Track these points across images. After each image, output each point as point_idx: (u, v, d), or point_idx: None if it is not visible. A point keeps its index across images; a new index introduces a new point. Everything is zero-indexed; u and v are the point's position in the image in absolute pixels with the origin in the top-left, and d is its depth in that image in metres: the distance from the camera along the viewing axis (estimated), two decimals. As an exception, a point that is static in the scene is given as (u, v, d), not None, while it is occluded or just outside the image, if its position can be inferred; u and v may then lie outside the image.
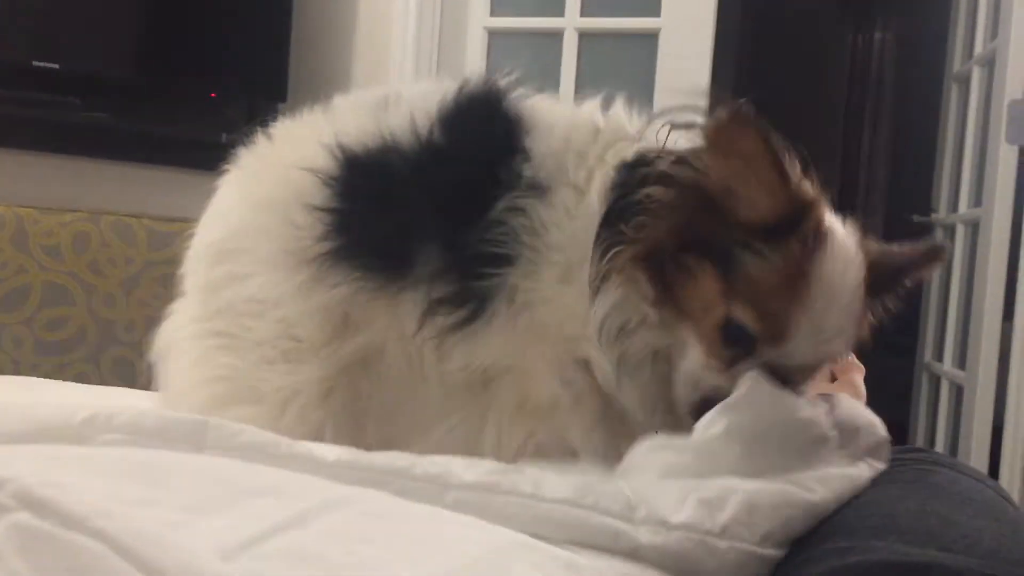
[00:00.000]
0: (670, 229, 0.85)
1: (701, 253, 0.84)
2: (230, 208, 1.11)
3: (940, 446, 2.96)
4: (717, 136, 0.82)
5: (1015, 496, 2.29)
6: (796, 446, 0.81)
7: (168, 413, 0.79)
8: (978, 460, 2.50)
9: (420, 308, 0.94)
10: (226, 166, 1.18)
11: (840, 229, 0.87)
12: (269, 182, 1.05)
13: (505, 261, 0.91)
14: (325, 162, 0.98)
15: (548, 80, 2.75)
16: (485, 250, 0.91)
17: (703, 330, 0.84)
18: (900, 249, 0.94)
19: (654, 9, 2.68)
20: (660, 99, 2.65)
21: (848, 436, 0.87)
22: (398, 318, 0.96)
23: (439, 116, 0.97)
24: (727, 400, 0.82)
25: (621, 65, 2.80)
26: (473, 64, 2.83)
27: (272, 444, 0.66)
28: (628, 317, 0.88)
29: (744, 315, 0.82)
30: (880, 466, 0.87)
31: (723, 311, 0.82)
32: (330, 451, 0.67)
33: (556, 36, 2.75)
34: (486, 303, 0.92)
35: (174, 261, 2.46)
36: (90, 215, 2.41)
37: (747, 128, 0.80)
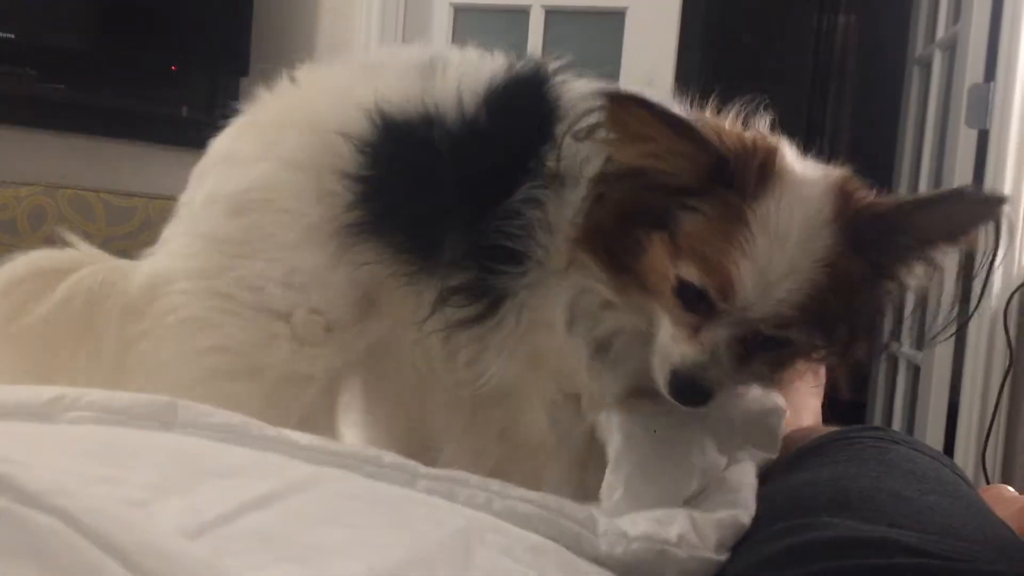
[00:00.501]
0: (607, 208, 0.84)
1: (645, 225, 0.83)
2: (252, 158, 1.02)
3: (897, 424, 3.01)
4: (614, 125, 0.81)
5: (969, 473, 2.33)
6: (689, 482, 0.84)
7: (138, 394, 0.78)
8: (934, 438, 2.54)
9: (434, 294, 0.92)
10: (236, 112, 1.11)
11: (799, 172, 0.84)
12: (299, 139, 0.99)
13: (517, 259, 0.89)
14: (363, 127, 0.94)
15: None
16: (500, 242, 0.89)
17: (664, 301, 0.84)
18: (934, 204, 0.86)
19: (621, -12, 2.67)
20: (626, 78, 2.65)
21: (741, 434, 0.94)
22: (420, 306, 0.94)
23: (486, 96, 0.94)
24: (613, 461, 0.84)
25: (587, 43, 2.80)
26: (439, 41, 2.81)
27: (243, 425, 0.65)
28: (589, 303, 0.88)
29: (691, 273, 0.80)
30: (767, 455, 0.94)
31: (674, 275, 0.82)
32: (303, 436, 0.66)
33: (522, 13, 2.74)
34: (496, 306, 0.91)
35: (134, 236, 2.43)
36: (46, 189, 2.36)
37: (630, 107, 0.79)
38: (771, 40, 5.44)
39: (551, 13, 2.73)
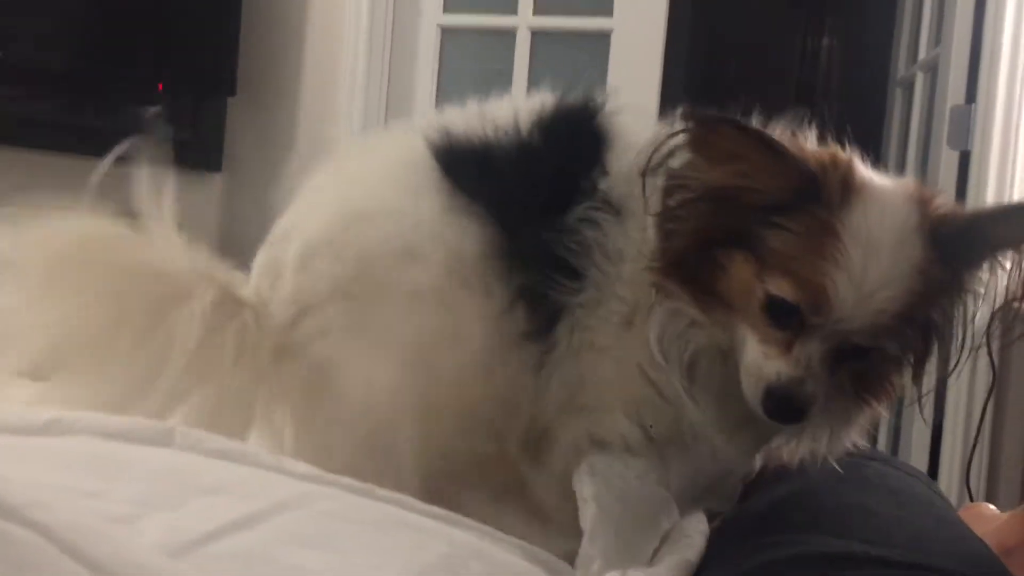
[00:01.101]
0: (689, 235, 0.85)
1: (728, 245, 0.84)
2: (400, 205, 0.98)
3: (882, 443, 3.02)
4: (699, 146, 0.82)
5: (953, 492, 2.34)
6: (654, 544, 0.84)
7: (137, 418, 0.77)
8: (918, 458, 2.55)
9: (502, 305, 0.92)
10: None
11: (877, 183, 0.86)
12: (435, 182, 0.98)
13: (575, 275, 0.90)
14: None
15: (501, 78, 2.75)
16: (560, 254, 0.90)
17: (751, 319, 0.84)
18: (1010, 214, 0.90)
19: (607, 9, 2.69)
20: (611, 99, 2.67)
21: None
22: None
23: (538, 119, 0.96)
24: (589, 532, 0.82)
25: (573, 64, 2.81)
26: (425, 62, 2.82)
27: (239, 451, 0.64)
28: (679, 327, 0.87)
29: (781, 288, 0.81)
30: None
31: (762, 291, 0.82)
32: (298, 465, 0.66)
33: (509, 34, 2.75)
34: (553, 323, 0.91)
35: (119, 256, 2.41)
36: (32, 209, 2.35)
37: (721, 128, 0.81)
38: (755, 62, 5.47)
39: (537, 34, 2.75)
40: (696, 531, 0.84)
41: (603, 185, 0.91)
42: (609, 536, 0.82)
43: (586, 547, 0.81)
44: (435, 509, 0.64)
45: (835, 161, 0.86)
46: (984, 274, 0.87)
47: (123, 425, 0.64)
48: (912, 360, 0.88)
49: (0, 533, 0.36)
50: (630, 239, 0.90)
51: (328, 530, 0.53)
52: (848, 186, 0.83)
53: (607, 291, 0.90)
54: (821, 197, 0.81)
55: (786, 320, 0.81)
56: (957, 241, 0.83)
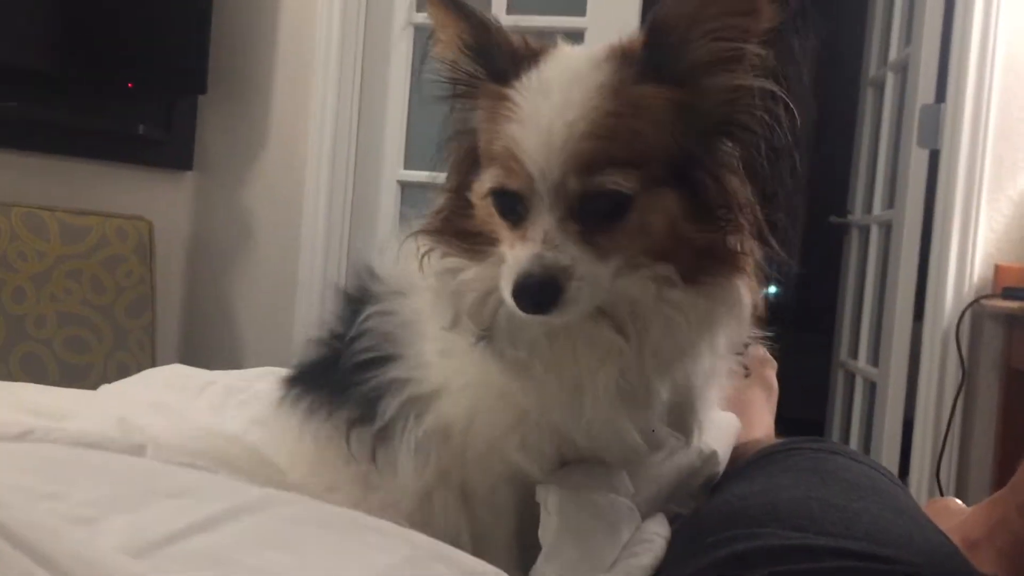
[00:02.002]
0: (452, 179, 0.84)
1: (474, 173, 0.80)
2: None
3: (854, 440, 3.05)
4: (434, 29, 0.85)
5: (924, 488, 2.37)
6: (614, 554, 0.81)
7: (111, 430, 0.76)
8: (890, 453, 2.57)
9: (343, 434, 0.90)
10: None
11: (568, 50, 0.80)
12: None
13: (380, 363, 0.87)
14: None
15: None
16: (362, 358, 0.87)
17: (501, 234, 0.77)
18: None
19: (580, 9, 2.69)
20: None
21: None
22: None
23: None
24: (548, 546, 0.80)
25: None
26: (399, 59, 2.81)
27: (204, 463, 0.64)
28: (453, 282, 0.81)
29: (493, 179, 0.75)
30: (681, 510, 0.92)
31: (487, 194, 0.77)
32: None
33: (482, 33, 2.75)
34: (378, 402, 0.86)
35: (88, 255, 2.40)
36: (0, 207, 2.33)
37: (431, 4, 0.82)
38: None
39: (512, 33, 2.74)
40: (656, 534, 0.84)
41: (380, 287, 0.90)
42: (570, 550, 0.79)
43: (540, 565, 0.79)
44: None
45: (530, 44, 0.80)
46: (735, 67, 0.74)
47: (97, 436, 0.64)
48: (709, 205, 0.74)
49: None
50: (421, 300, 0.86)
51: (290, 533, 0.52)
52: (535, 57, 0.77)
53: (418, 341, 0.86)
54: (509, 75, 0.76)
55: (515, 210, 0.74)
56: (657, 50, 0.73)
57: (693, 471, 0.94)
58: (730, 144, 0.75)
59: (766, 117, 0.74)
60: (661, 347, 0.76)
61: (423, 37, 2.84)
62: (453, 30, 0.81)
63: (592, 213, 0.72)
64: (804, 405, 2.71)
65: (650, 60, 0.73)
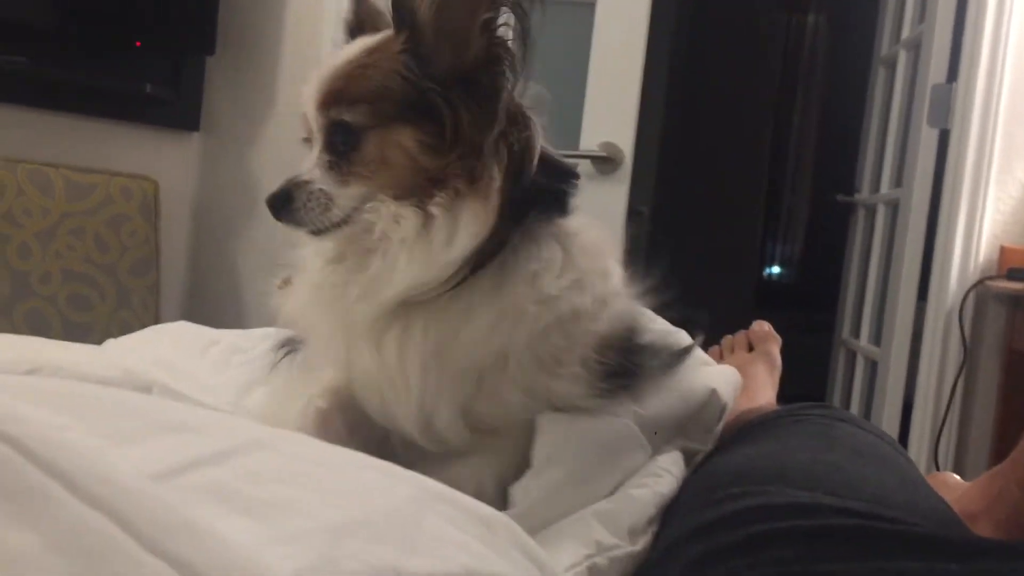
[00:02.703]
0: None
1: None
2: None
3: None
4: None
5: (921, 465, 2.37)
6: (611, 483, 0.83)
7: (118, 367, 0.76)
8: (889, 431, 2.57)
9: None
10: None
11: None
12: None
13: None
14: None
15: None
16: None
17: None
18: None
19: (592, -21, 2.67)
20: (594, 69, 2.66)
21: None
22: None
23: None
24: (539, 463, 0.81)
25: (557, 34, 2.79)
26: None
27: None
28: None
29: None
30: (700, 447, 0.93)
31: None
32: None
33: (493, 1, 2.73)
34: None
35: (92, 213, 2.40)
36: (6, 163, 2.33)
37: None
38: (741, 37, 5.47)
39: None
40: (666, 470, 0.84)
41: None
42: (555, 470, 0.80)
43: (524, 480, 0.80)
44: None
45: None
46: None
47: (105, 372, 0.64)
48: (444, 140, 0.80)
49: None
50: None
51: (297, 469, 0.53)
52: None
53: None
54: None
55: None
56: (399, 8, 0.82)
57: (701, 404, 0.95)
58: (465, 88, 0.80)
59: (497, 50, 0.80)
60: (378, 271, 0.81)
61: None
62: None
63: (336, 144, 0.82)
64: (805, 383, 2.71)
65: (396, 20, 0.83)
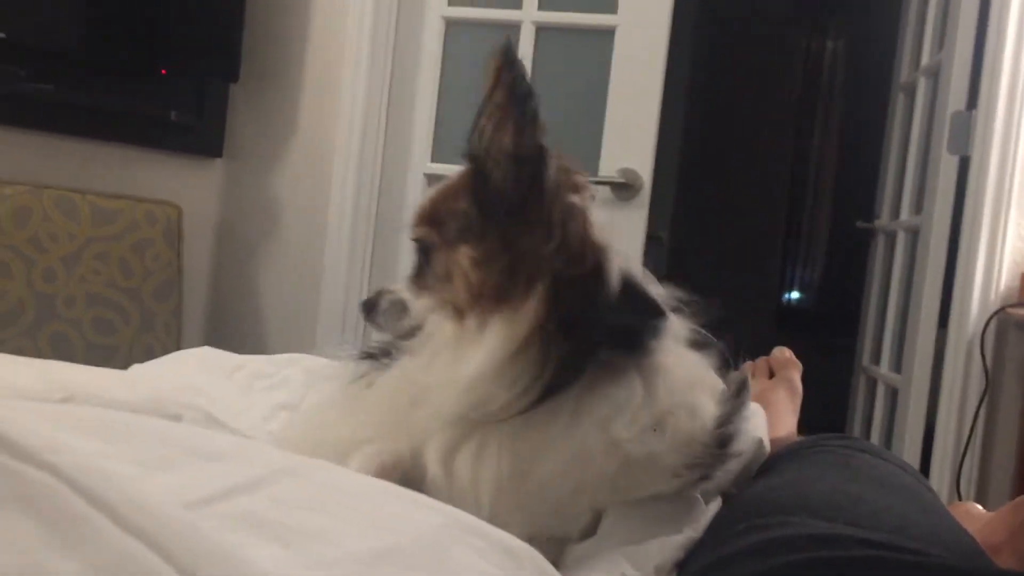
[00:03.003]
0: None
1: None
2: None
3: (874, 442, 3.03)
4: None
5: (944, 496, 2.35)
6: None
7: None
8: (910, 460, 2.56)
9: None
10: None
11: None
12: None
13: None
14: None
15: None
16: None
17: None
18: None
19: (611, 6, 2.69)
20: (614, 95, 2.68)
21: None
22: None
23: None
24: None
25: (577, 60, 2.82)
26: (429, 53, 2.83)
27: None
28: None
29: None
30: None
31: None
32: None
33: (513, 28, 2.76)
34: None
35: (118, 238, 2.43)
36: (33, 189, 2.36)
37: None
38: (760, 62, 5.49)
39: (542, 29, 2.75)
40: (708, 515, 0.85)
41: None
42: (615, 538, 0.81)
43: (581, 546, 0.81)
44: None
45: None
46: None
47: (136, 400, 0.65)
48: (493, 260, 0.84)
49: (15, 473, 0.37)
50: None
51: (327, 498, 0.54)
52: None
53: None
54: None
55: None
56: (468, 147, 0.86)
57: (751, 460, 0.96)
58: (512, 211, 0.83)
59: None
60: (423, 379, 0.84)
61: (455, 31, 2.84)
62: None
63: (419, 260, 0.90)
64: (824, 408, 2.70)
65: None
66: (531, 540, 0.70)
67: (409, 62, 2.84)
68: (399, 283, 0.92)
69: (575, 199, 0.83)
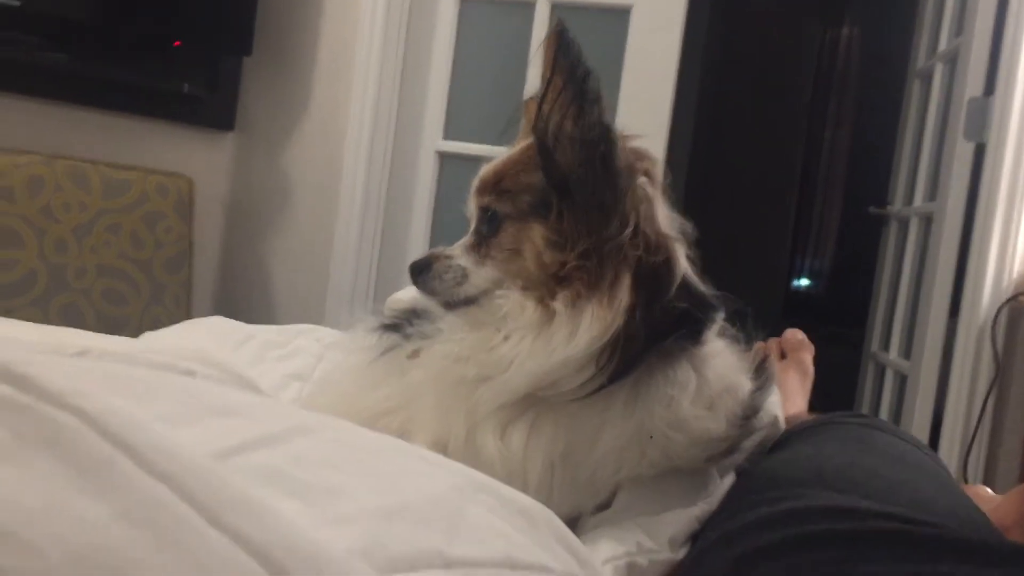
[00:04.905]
0: None
1: None
2: None
3: (881, 434, 3.03)
4: None
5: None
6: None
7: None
8: (917, 447, 2.56)
9: None
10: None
11: None
12: None
13: None
14: None
15: (519, 51, 2.74)
16: None
17: None
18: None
19: (627, -14, 2.68)
20: (628, 75, 2.66)
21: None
22: None
23: None
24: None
25: (591, 40, 2.79)
26: (443, 31, 2.81)
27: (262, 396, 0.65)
28: None
29: None
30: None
31: None
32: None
33: (528, 7, 2.74)
34: None
35: (129, 209, 2.43)
36: (45, 159, 2.36)
37: None
38: (774, 47, 5.46)
39: (557, 8, 2.73)
40: (721, 489, 0.86)
41: None
42: (632, 511, 0.82)
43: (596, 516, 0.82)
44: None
45: None
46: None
47: (151, 356, 0.65)
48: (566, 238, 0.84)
49: (45, 416, 0.37)
50: None
51: (344, 455, 0.54)
52: None
53: None
54: None
55: None
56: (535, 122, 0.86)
57: (766, 436, 0.96)
58: (576, 192, 0.83)
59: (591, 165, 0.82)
60: (499, 355, 0.83)
61: (469, 8, 2.83)
62: None
63: (481, 229, 0.88)
64: (830, 396, 2.69)
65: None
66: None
67: (423, 39, 2.83)
68: (453, 249, 0.90)
69: (646, 185, 0.84)
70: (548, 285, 0.82)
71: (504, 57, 2.84)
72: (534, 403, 0.81)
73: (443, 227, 2.87)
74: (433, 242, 2.81)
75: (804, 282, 6.21)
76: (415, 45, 2.81)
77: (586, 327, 0.78)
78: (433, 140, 2.85)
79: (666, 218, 0.85)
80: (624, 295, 0.79)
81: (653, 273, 0.80)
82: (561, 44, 0.81)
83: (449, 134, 2.84)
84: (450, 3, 2.81)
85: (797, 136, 5.68)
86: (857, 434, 0.90)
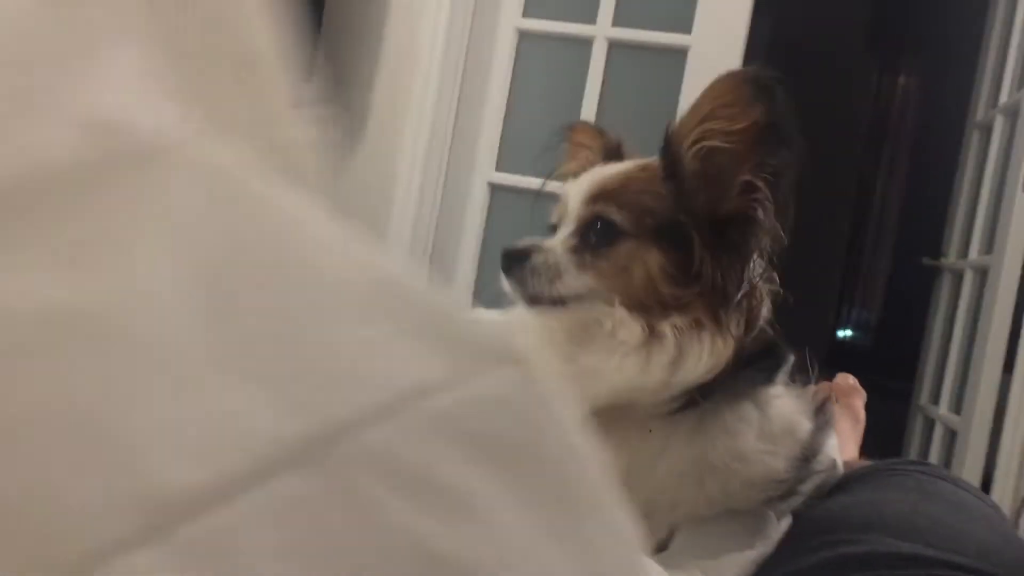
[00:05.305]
0: None
1: None
2: None
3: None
4: None
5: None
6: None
7: None
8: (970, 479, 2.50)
9: None
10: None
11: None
12: None
13: None
14: None
15: (575, 87, 2.76)
16: None
17: None
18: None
19: (686, 26, 2.68)
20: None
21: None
22: None
23: None
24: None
25: (647, 78, 2.81)
26: (500, 63, 2.84)
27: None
28: None
29: None
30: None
31: None
32: None
33: (586, 43, 2.76)
34: None
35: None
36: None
37: None
38: (829, 94, 5.43)
39: (614, 45, 2.74)
40: (780, 531, 0.84)
41: None
42: (687, 554, 0.81)
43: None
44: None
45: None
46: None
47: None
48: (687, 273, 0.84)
49: None
50: None
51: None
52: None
53: None
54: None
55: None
56: (667, 153, 0.86)
57: (824, 480, 0.95)
58: (716, 234, 0.83)
59: (754, 211, 0.83)
60: (594, 364, 0.82)
61: (527, 43, 2.84)
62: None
63: (589, 235, 0.86)
64: (876, 450, 2.64)
65: (663, 160, 0.86)
66: None
67: (480, 71, 2.85)
68: (552, 243, 0.88)
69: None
70: (652, 311, 0.81)
71: (559, 92, 2.86)
72: (602, 422, 0.80)
73: (491, 258, 2.87)
74: (481, 272, 2.81)
75: (849, 333, 6.12)
76: (472, 76, 2.84)
77: (702, 357, 0.79)
78: (485, 172, 2.86)
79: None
80: (738, 336, 0.80)
81: (755, 319, 0.82)
82: (763, 93, 0.83)
83: (502, 166, 2.85)
84: (509, 36, 2.84)
85: (849, 185, 5.63)
86: (918, 481, 0.87)
